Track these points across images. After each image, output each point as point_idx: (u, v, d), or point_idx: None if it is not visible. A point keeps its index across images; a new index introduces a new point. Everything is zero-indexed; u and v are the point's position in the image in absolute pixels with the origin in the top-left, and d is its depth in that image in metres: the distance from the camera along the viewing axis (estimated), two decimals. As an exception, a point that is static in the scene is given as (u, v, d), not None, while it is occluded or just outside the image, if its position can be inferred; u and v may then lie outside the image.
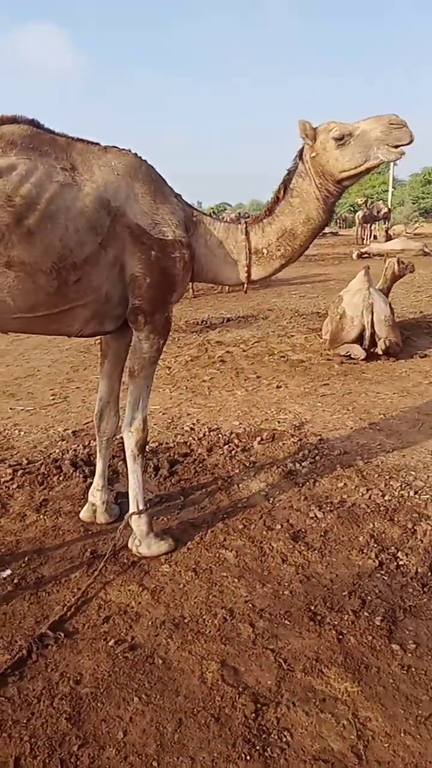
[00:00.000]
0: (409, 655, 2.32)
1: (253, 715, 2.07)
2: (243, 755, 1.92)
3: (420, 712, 2.06)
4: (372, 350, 6.57)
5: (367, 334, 6.55)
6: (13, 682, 2.25)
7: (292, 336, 8.21)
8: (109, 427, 3.44)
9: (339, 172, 2.80)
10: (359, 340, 6.61)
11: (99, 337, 3.32)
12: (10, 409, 5.73)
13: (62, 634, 2.49)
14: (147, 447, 3.46)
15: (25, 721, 2.08)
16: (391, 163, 56.55)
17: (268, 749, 1.93)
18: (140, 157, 2.86)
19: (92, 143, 2.79)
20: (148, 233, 2.77)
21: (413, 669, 2.25)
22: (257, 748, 1.94)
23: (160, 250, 2.81)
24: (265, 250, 3.03)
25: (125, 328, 3.04)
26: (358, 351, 6.56)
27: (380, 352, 6.54)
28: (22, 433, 5.00)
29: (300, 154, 2.92)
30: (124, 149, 2.84)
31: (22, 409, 5.69)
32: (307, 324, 8.96)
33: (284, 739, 1.97)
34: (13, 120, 2.60)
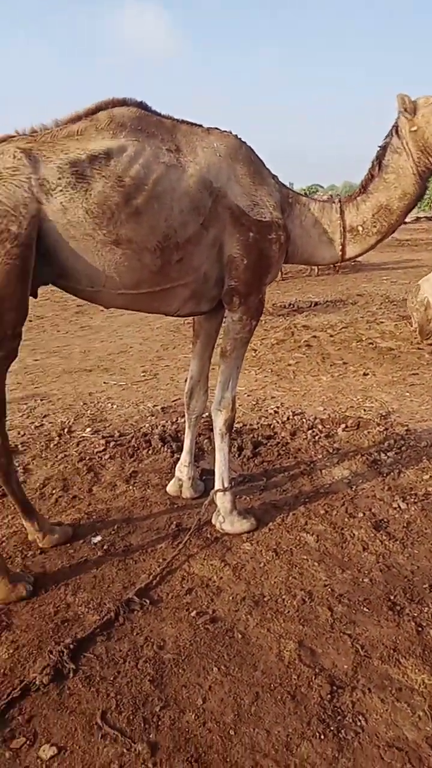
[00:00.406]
0: None
1: (329, 696, 2.11)
2: (317, 734, 1.97)
3: None
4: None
5: None
6: (101, 642, 2.40)
7: (382, 323, 8.04)
8: (198, 405, 3.53)
9: None
10: None
11: (192, 317, 3.40)
12: (104, 383, 5.97)
13: (147, 601, 2.63)
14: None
15: (111, 679, 2.22)
16: None
17: (342, 731, 1.98)
18: (240, 139, 2.90)
19: (196, 125, 2.85)
20: (247, 214, 2.82)
21: None
22: (332, 728, 1.99)
23: (258, 232, 2.85)
24: (360, 228, 3.04)
25: (218, 309, 3.12)
26: None
27: None
28: (115, 406, 5.21)
29: (396, 130, 2.89)
30: (225, 131, 2.89)
31: (115, 384, 5.92)
32: (398, 311, 8.73)
33: (359, 724, 2.01)
34: (123, 102, 2.69)
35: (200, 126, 2.85)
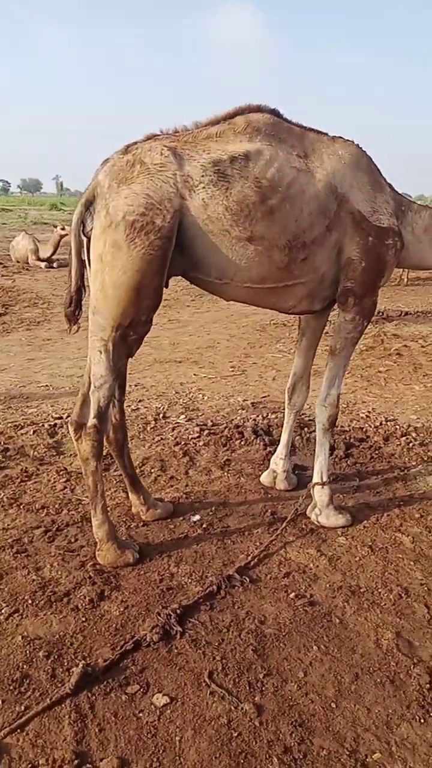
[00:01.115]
0: None
1: (428, 685, 2.17)
2: (417, 718, 2.03)
3: None
4: None
5: None
6: (204, 611, 2.54)
7: None
8: (300, 400, 3.62)
9: None
10: None
11: (299, 316, 3.51)
12: (194, 375, 6.16)
13: (247, 579, 2.75)
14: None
15: (216, 644, 2.35)
16: None
17: (442, 719, 2.03)
18: (361, 148, 3.00)
19: (322, 133, 2.97)
20: (368, 220, 2.91)
21: None
22: (431, 714, 2.05)
23: (377, 237, 2.95)
24: None
25: (326, 309, 3.24)
26: None
27: None
28: (206, 397, 5.38)
29: None
30: (348, 140, 3.00)
31: (205, 377, 6.09)
32: None
33: (458, 714, 2.06)
34: (258, 109, 2.84)
35: (326, 134, 2.97)
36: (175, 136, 2.77)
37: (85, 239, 2.75)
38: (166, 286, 2.82)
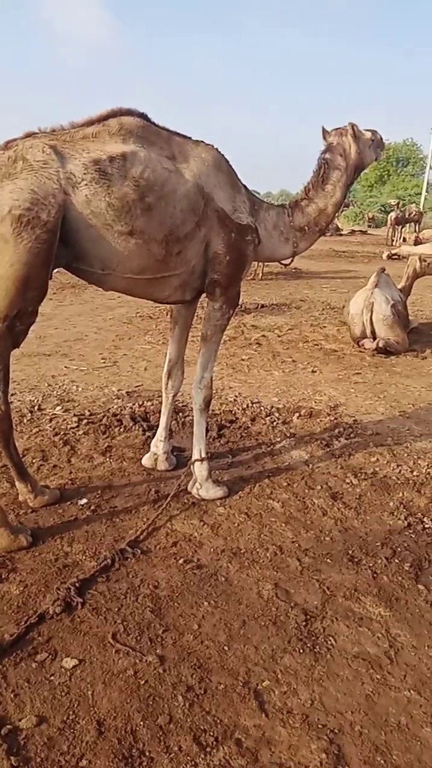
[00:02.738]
0: (433, 594, 2.77)
1: (304, 623, 2.52)
2: (297, 649, 2.37)
3: (441, 634, 2.51)
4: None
5: (367, 331, 6.98)
6: (102, 582, 2.72)
7: (325, 327, 8.61)
8: (176, 384, 3.88)
9: (366, 165, 3.66)
10: (363, 336, 7.05)
11: (170, 306, 3.77)
12: (65, 367, 6.20)
13: (139, 551, 2.96)
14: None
15: (116, 609, 2.55)
16: (427, 167, 56.55)
17: (317, 647, 2.39)
18: (220, 152, 3.31)
19: (186, 137, 3.23)
20: (230, 217, 3.23)
21: (436, 604, 2.70)
22: (308, 645, 2.40)
23: (238, 233, 3.27)
24: (306, 227, 3.64)
25: (194, 299, 3.54)
26: (368, 343, 6.99)
27: (375, 349, 6.93)
28: (80, 389, 5.47)
29: (339, 150, 3.58)
30: (209, 144, 3.29)
31: (77, 369, 6.16)
32: (338, 317, 9.32)
33: (329, 642, 2.43)
34: (129, 112, 3.04)
35: (189, 138, 3.24)
36: (53, 134, 2.89)
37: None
38: (50, 278, 2.93)
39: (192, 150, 3.16)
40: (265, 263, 13.26)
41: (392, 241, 25.78)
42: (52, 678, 2.18)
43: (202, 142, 3.26)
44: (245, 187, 3.45)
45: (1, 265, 2.65)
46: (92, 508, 3.37)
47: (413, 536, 3.24)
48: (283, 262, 3.81)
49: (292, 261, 3.81)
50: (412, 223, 29.22)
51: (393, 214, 26.89)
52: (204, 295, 3.44)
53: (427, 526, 3.34)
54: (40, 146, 2.75)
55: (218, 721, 2.03)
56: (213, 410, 4.96)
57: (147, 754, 1.90)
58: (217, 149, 3.28)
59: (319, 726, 2.04)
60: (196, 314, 3.89)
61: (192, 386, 3.58)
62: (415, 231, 27.69)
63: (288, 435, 4.55)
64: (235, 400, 5.31)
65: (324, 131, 3.67)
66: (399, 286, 7.79)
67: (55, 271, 2.96)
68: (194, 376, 3.55)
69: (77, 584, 2.65)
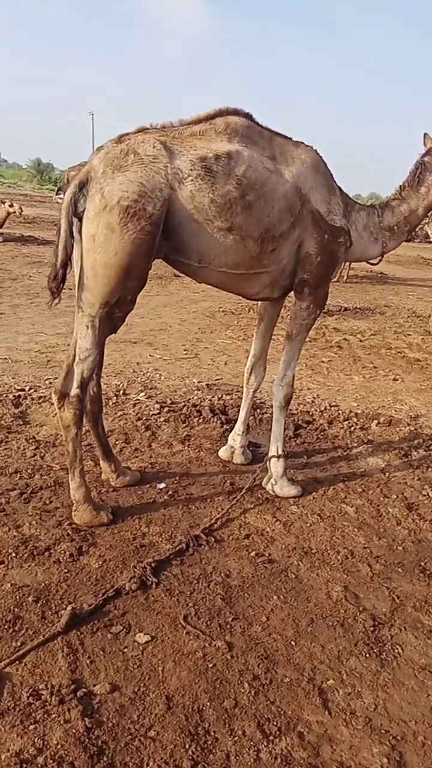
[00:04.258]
0: None
1: (372, 628, 2.53)
2: (363, 653, 2.39)
3: None
4: None
5: None
6: (175, 565, 2.82)
7: (409, 335, 8.44)
8: (257, 380, 3.94)
9: None
10: None
11: (258, 302, 3.84)
12: (149, 355, 6.38)
13: (212, 539, 3.04)
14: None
15: (188, 593, 2.64)
16: None
17: (383, 654, 2.40)
18: (319, 153, 3.33)
19: (287, 137, 3.28)
20: (324, 219, 3.25)
21: None
22: (375, 651, 2.41)
23: (331, 235, 3.30)
24: (396, 227, 3.66)
25: (282, 298, 3.60)
26: None
27: None
28: (162, 377, 5.62)
29: None
30: (309, 145, 3.31)
31: (160, 358, 6.32)
32: (424, 326, 9.13)
33: (396, 651, 2.43)
34: (235, 112, 3.11)
35: (290, 139, 3.29)
36: (164, 130, 3.00)
37: (75, 219, 2.94)
38: (150, 269, 3.05)
39: (292, 151, 3.20)
40: (351, 266, 13.14)
41: None
42: (125, 650, 2.29)
43: (302, 143, 3.30)
44: (340, 189, 3.47)
45: (105, 253, 2.78)
46: (170, 493, 3.48)
47: None
48: (371, 261, 3.80)
49: (380, 260, 3.81)
50: None
51: None
52: (292, 293, 3.48)
53: None
54: (151, 141, 2.86)
55: (282, 712, 2.08)
56: (290, 410, 4.98)
57: (212, 734, 1.97)
58: (315, 151, 3.31)
59: (382, 731, 2.06)
60: (281, 313, 3.92)
61: (273, 384, 3.63)
62: None
63: (365, 441, 4.52)
64: (313, 401, 5.31)
65: (426, 136, 3.66)
66: None
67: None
68: (276, 374, 3.60)
69: (153, 564, 2.76)
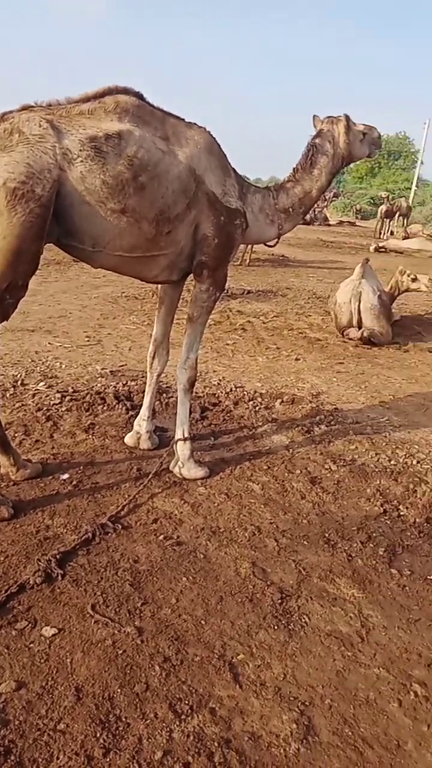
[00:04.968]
0: (405, 578, 2.84)
1: (279, 601, 2.59)
2: (271, 626, 2.44)
3: (411, 616, 2.59)
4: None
5: (354, 320, 7.06)
6: (82, 555, 2.76)
7: (310, 315, 8.66)
8: (160, 364, 3.90)
9: (355, 158, 3.79)
10: (350, 325, 7.12)
11: (158, 286, 3.80)
12: (48, 343, 6.19)
13: (119, 526, 3.00)
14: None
15: (96, 582, 2.59)
16: (419, 162, 56.67)
17: (291, 624, 2.46)
18: (212, 135, 3.33)
19: (180, 118, 3.25)
20: (220, 201, 3.26)
21: (407, 588, 2.78)
22: (282, 622, 2.46)
23: (227, 216, 3.31)
24: (291, 209, 3.72)
25: (181, 280, 3.58)
26: (354, 333, 7.07)
27: (360, 339, 7.01)
28: (63, 366, 5.46)
29: (329, 137, 3.66)
30: (202, 126, 3.30)
31: (60, 345, 6.15)
32: (324, 306, 9.37)
33: (303, 620, 2.49)
34: (125, 91, 3.04)
35: (183, 120, 3.26)
36: (50, 109, 2.88)
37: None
38: (41, 253, 2.93)
39: (185, 132, 3.17)
40: (252, 249, 13.30)
41: (380, 233, 25.88)
42: (31, 645, 2.22)
43: (195, 124, 3.27)
44: (235, 171, 3.48)
45: None
46: (74, 483, 3.40)
47: (388, 522, 3.32)
48: (268, 244, 3.85)
49: (277, 242, 3.86)
50: (401, 217, 29.36)
51: (383, 207, 26.95)
52: (191, 276, 3.47)
53: (402, 513, 3.43)
54: (37, 120, 2.74)
55: (193, 690, 2.09)
56: (197, 393, 4.99)
57: (123, 719, 1.95)
58: (209, 132, 3.29)
59: (291, 698, 2.11)
60: (182, 296, 3.91)
61: (177, 367, 3.61)
62: (403, 225, 27.86)
63: (270, 420, 4.60)
64: (219, 383, 5.35)
65: (315, 118, 3.75)
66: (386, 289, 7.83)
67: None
68: (179, 357, 3.58)
69: (58, 556, 2.69)
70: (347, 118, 3.65)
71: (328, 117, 3.70)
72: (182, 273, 3.45)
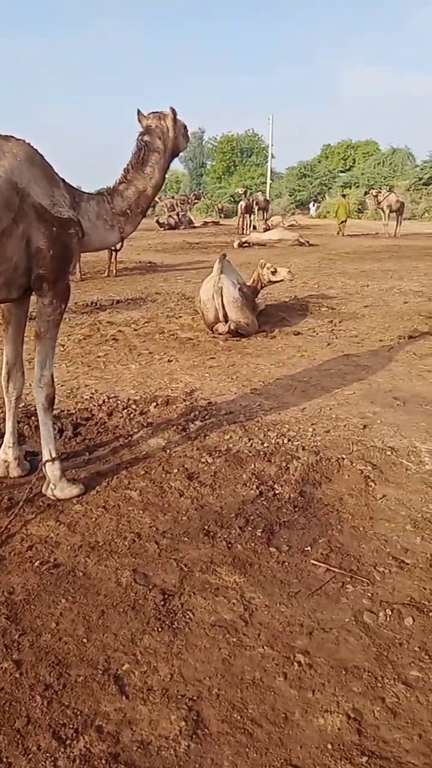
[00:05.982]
0: (283, 554, 2.92)
1: (162, 602, 2.57)
2: (156, 629, 2.41)
3: (290, 590, 2.66)
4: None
5: (220, 315, 7.23)
6: None
7: (180, 317, 8.72)
8: (17, 386, 3.76)
9: (178, 152, 3.83)
10: (216, 320, 7.29)
11: (3, 306, 3.67)
12: None
13: (-8, 561, 2.86)
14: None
15: (-32, 623, 2.45)
16: (269, 156, 58.86)
17: (175, 623, 2.45)
18: (33, 146, 3.25)
19: None
20: (49, 212, 3.19)
21: (286, 563, 2.85)
22: (166, 623, 2.45)
23: (60, 227, 3.24)
24: (129, 211, 3.70)
25: (24, 298, 3.48)
26: (222, 327, 7.23)
27: (228, 332, 7.20)
28: None
29: (158, 133, 3.67)
30: (20, 139, 3.22)
31: None
32: (193, 307, 9.48)
33: (188, 616, 2.49)
34: None
35: None
36: None
37: None
38: None
39: (2, 145, 3.07)
40: (117, 258, 13.22)
41: (243, 229, 26.56)
42: None
43: (12, 137, 3.18)
44: (63, 180, 3.41)
45: None
46: None
47: (265, 503, 3.40)
48: (114, 248, 3.82)
49: (122, 246, 3.85)
50: (261, 211, 30.31)
51: (243, 203, 27.69)
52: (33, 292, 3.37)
53: (277, 492, 3.52)
54: None
55: (78, 712, 2.03)
56: (68, 410, 4.88)
57: (4, 760, 1.86)
58: (28, 144, 3.20)
59: (179, 697, 2.10)
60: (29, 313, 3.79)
61: (32, 386, 3.50)
62: (263, 218, 28.78)
63: (145, 425, 4.58)
64: (91, 397, 5.25)
65: (140, 114, 3.73)
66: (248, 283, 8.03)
67: None
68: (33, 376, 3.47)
69: None
70: (174, 111, 3.68)
71: (154, 113, 3.71)
72: (22, 289, 3.34)
